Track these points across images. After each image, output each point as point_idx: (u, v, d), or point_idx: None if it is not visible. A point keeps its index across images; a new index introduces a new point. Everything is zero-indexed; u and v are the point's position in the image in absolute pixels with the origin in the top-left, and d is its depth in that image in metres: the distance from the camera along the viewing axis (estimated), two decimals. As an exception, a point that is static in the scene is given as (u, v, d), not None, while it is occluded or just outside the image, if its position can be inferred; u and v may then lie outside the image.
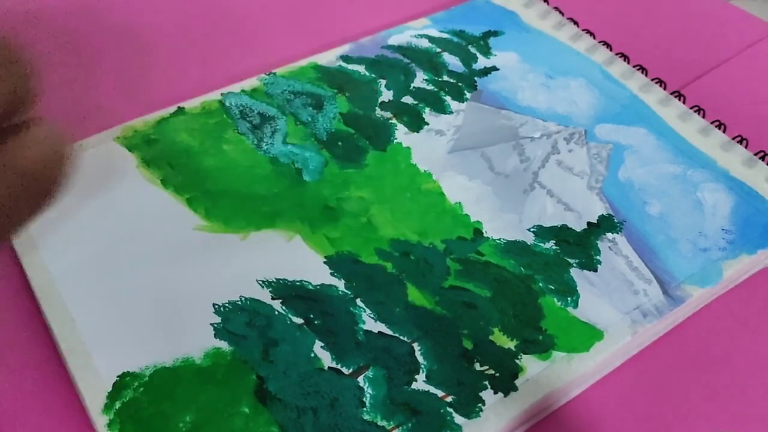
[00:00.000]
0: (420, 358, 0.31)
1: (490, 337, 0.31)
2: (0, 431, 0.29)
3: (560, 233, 0.35)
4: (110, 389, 0.29)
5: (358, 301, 0.32)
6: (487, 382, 0.30)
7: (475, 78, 0.44)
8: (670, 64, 0.46)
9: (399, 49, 0.45)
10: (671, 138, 0.40)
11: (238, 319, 0.31)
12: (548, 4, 0.49)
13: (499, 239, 0.35)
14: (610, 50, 0.45)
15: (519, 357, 0.31)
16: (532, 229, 0.36)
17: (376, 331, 0.31)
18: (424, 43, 0.46)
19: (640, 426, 0.30)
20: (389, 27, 0.47)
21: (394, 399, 0.29)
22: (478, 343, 0.31)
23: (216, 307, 0.32)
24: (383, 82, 0.43)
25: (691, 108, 0.42)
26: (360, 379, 0.30)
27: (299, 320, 0.31)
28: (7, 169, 0.19)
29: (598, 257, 0.35)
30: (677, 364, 0.32)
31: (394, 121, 0.41)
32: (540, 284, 0.33)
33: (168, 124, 0.40)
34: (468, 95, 0.43)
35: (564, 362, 0.30)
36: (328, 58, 0.44)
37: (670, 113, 0.42)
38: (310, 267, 0.33)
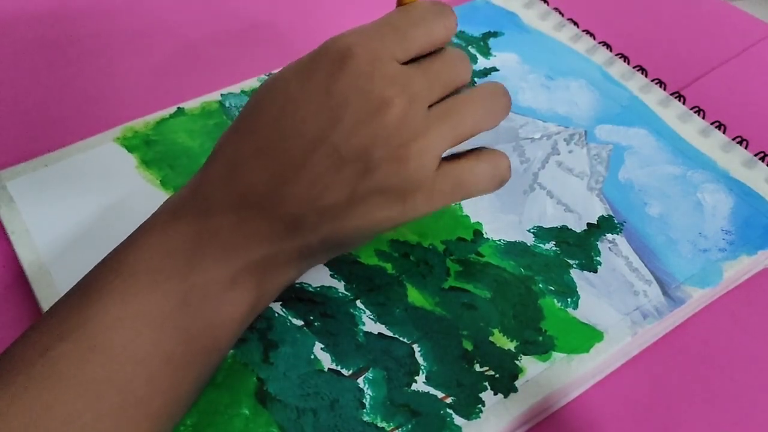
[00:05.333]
0: (420, 360, 0.31)
1: (490, 338, 0.31)
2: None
3: (560, 234, 0.35)
4: (110, 390, 0.29)
5: (358, 303, 0.32)
6: (487, 383, 0.30)
7: (475, 79, 0.44)
8: (670, 64, 0.46)
9: (399, 49, 0.45)
10: (671, 139, 0.40)
11: (238, 321, 0.31)
12: (548, 4, 0.49)
13: (499, 240, 0.35)
14: (610, 51, 0.45)
15: (519, 358, 0.31)
16: (532, 230, 0.36)
17: (376, 333, 0.31)
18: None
19: (639, 427, 0.30)
20: (389, 27, 0.47)
21: (394, 400, 0.29)
22: (478, 344, 0.31)
23: (216, 308, 0.32)
24: (383, 82, 0.43)
25: (691, 109, 0.42)
26: (360, 380, 0.30)
27: (299, 322, 0.31)
28: None
29: (598, 258, 0.35)
30: (677, 366, 0.32)
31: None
32: (540, 285, 0.33)
33: (168, 124, 0.40)
34: (468, 96, 0.42)
35: (564, 363, 0.30)
36: (328, 58, 0.44)
37: (670, 114, 0.42)
38: (310, 269, 0.33)
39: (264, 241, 0.27)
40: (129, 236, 0.28)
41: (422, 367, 0.30)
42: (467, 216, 0.36)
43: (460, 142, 0.28)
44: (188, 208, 0.27)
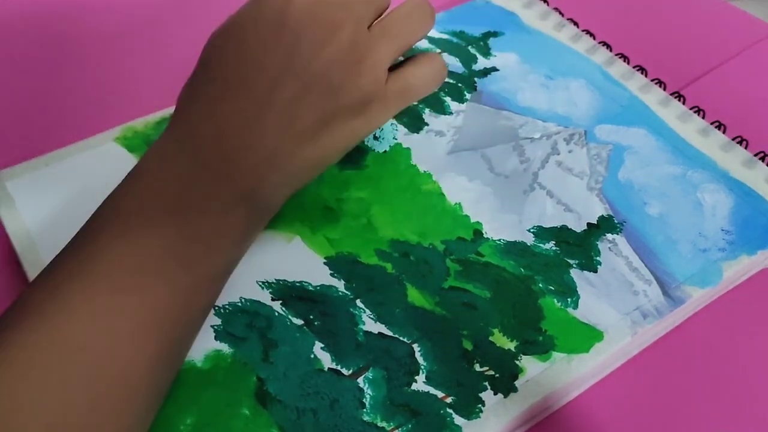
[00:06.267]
0: (420, 359, 0.31)
1: (490, 338, 0.31)
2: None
3: (560, 234, 0.35)
4: (110, 390, 0.29)
5: (358, 302, 0.32)
6: (487, 383, 0.30)
7: (475, 79, 0.44)
8: (670, 64, 0.46)
9: (399, 49, 0.45)
10: (671, 139, 0.40)
11: (238, 321, 0.31)
12: (548, 4, 0.49)
13: (499, 240, 0.35)
14: (610, 51, 0.45)
15: (519, 358, 0.31)
16: (532, 230, 0.36)
17: (376, 332, 0.31)
18: (424, 44, 0.46)
19: (639, 427, 0.30)
20: (389, 27, 0.47)
21: (393, 400, 0.29)
22: (478, 344, 0.31)
23: (216, 309, 0.32)
24: (383, 82, 0.43)
25: (690, 109, 0.42)
26: (360, 380, 0.30)
27: (299, 321, 0.31)
28: None
29: (598, 258, 0.35)
30: (677, 365, 0.32)
31: (393, 121, 0.41)
32: (540, 285, 0.33)
33: (168, 124, 0.40)
34: (468, 96, 0.43)
35: (564, 363, 0.30)
36: (328, 58, 0.44)
37: (669, 114, 0.42)
38: (311, 268, 0.33)
39: (249, 173, 0.28)
40: (122, 181, 0.29)
41: (422, 367, 0.30)
42: (467, 216, 0.36)
43: (401, 53, 0.31)
44: (174, 150, 0.29)
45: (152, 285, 0.26)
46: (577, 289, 0.33)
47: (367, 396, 0.29)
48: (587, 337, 0.31)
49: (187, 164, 0.28)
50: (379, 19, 0.31)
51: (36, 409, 0.23)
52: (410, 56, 0.33)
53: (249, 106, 0.28)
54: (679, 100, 0.42)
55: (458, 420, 0.29)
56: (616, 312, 0.32)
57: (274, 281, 0.33)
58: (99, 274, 0.26)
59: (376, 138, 0.39)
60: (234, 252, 0.30)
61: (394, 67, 0.32)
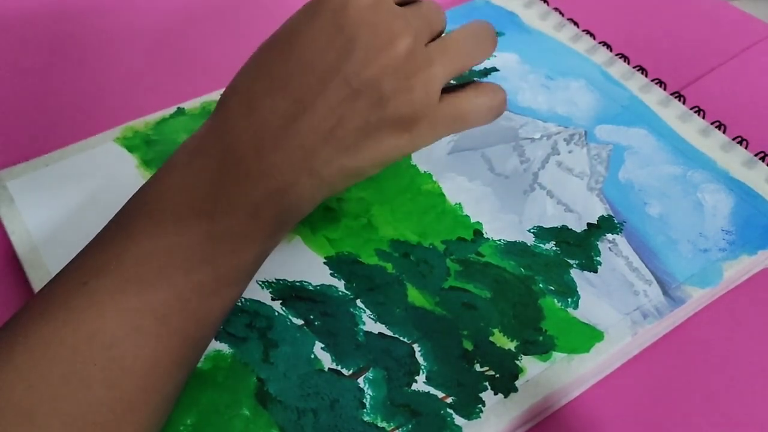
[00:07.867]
0: (420, 359, 0.31)
1: (491, 338, 0.31)
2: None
3: (560, 234, 0.35)
4: (110, 390, 0.29)
5: (358, 302, 0.32)
6: (487, 383, 0.30)
7: (475, 79, 0.44)
8: (670, 64, 0.46)
9: (399, 49, 0.45)
10: (671, 139, 0.40)
11: (238, 321, 0.31)
12: (548, 4, 0.49)
13: (499, 240, 0.35)
14: (610, 51, 0.45)
15: (519, 358, 0.31)
16: (532, 230, 0.36)
17: (376, 332, 0.31)
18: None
19: (640, 427, 0.30)
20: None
21: (394, 400, 0.29)
22: (478, 344, 0.31)
23: (216, 308, 0.32)
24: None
25: (691, 109, 0.42)
26: (360, 380, 0.30)
27: (299, 321, 0.31)
28: None
29: (598, 258, 0.35)
30: (677, 365, 0.32)
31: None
32: (540, 285, 0.33)
33: (168, 124, 0.40)
34: (468, 96, 0.42)
35: (564, 363, 0.30)
36: (328, 58, 0.44)
37: (670, 114, 0.42)
38: (311, 268, 0.33)
39: (282, 173, 0.28)
40: (152, 176, 0.29)
41: (422, 367, 0.30)
42: (467, 216, 0.36)
43: (458, 75, 0.30)
44: (209, 144, 0.28)
45: (179, 285, 0.26)
46: (578, 289, 0.33)
47: (368, 396, 0.29)
48: (587, 337, 0.31)
49: (221, 158, 0.28)
50: (439, 38, 0.30)
51: (56, 405, 0.23)
52: (471, 81, 0.31)
53: (290, 105, 0.28)
54: (680, 100, 0.42)
55: (458, 420, 0.29)
56: (617, 312, 0.32)
57: (274, 281, 0.33)
58: (126, 271, 0.26)
59: None
60: (259, 253, 0.29)
61: (451, 89, 0.30)
